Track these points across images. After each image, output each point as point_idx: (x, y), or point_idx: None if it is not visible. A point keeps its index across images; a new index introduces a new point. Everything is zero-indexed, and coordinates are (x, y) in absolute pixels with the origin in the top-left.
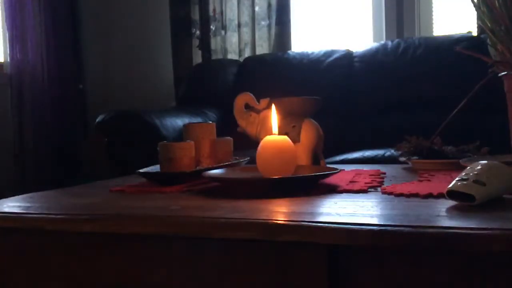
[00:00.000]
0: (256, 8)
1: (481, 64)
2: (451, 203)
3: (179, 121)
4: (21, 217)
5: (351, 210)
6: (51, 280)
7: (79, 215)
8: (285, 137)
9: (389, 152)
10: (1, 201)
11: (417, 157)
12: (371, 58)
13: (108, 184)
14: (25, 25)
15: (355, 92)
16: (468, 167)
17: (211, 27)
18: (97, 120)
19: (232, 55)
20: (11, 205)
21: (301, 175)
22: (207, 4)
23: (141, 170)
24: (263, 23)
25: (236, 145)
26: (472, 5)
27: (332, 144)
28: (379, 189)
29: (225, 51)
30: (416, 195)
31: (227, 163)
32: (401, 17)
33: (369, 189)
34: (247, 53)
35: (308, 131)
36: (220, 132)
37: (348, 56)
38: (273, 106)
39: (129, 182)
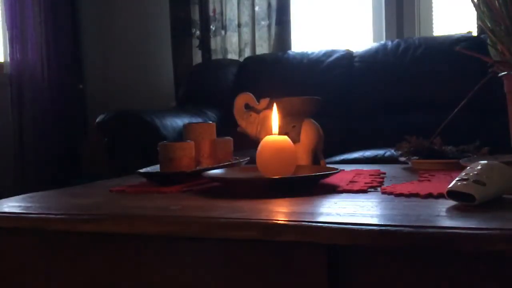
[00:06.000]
0: (256, 8)
1: (481, 64)
2: (451, 203)
3: (179, 121)
4: (21, 217)
5: (351, 210)
6: (51, 280)
7: (79, 215)
8: (285, 137)
9: (389, 152)
10: (1, 201)
11: (417, 157)
12: (371, 58)
13: (108, 184)
14: (25, 25)
15: (355, 92)
16: (468, 167)
17: (211, 27)
18: (97, 120)
19: (232, 55)
20: (11, 205)
21: (301, 175)
22: (207, 4)
23: (141, 170)
24: (263, 23)
25: (236, 145)
26: (472, 5)
27: (332, 144)
28: (379, 189)
29: (225, 51)
30: (416, 195)
31: (227, 163)
32: (401, 17)
33: (369, 189)
34: (247, 53)
35: (308, 131)
36: (220, 132)
37: (348, 56)
38: (274, 106)
39: (129, 182)
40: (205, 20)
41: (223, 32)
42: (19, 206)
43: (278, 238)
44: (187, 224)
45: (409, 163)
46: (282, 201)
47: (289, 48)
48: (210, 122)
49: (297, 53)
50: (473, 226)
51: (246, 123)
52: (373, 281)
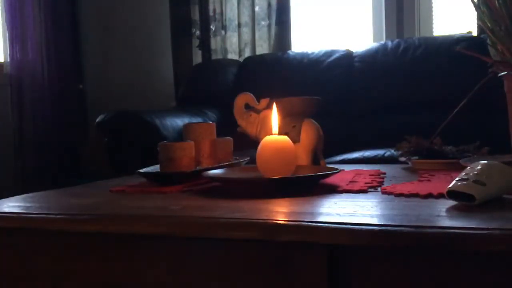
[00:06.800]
0: (256, 8)
1: (481, 64)
2: (451, 203)
3: (179, 121)
4: (21, 217)
5: (351, 210)
6: (51, 280)
7: (79, 215)
8: (285, 137)
9: (389, 152)
10: (1, 201)
11: (417, 157)
12: (371, 58)
13: (108, 184)
14: (25, 25)
15: (355, 92)
16: (468, 167)
17: (211, 27)
18: (97, 120)
19: (232, 55)
20: (11, 205)
21: (301, 175)
22: (207, 4)
23: (141, 170)
24: (263, 23)
25: (236, 145)
26: (472, 5)
27: (332, 144)
28: (379, 189)
29: (225, 51)
30: (416, 195)
31: (227, 163)
32: (401, 17)
33: (369, 189)
34: (247, 53)
35: (308, 131)
36: (220, 132)
37: (348, 56)
38: (274, 106)
39: (129, 182)
40: (205, 20)
41: (223, 32)
42: (19, 206)
43: (278, 238)
44: (187, 224)
45: (409, 163)
46: (282, 201)
47: (289, 48)
48: (210, 122)
49: (297, 53)
50: (473, 226)
51: (246, 123)
52: (373, 281)
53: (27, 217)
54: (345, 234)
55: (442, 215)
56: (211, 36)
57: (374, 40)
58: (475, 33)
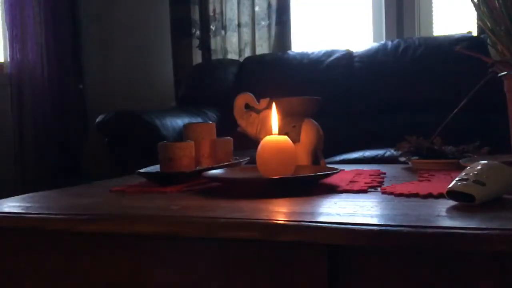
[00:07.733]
0: (256, 8)
1: (481, 64)
2: (451, 203)
3: (179, 121)
4: (21, 217)
5: (351, 210)
6: (51, 280)
7: (79, 215)
8: (285, 137)
9: (389, 152)
10: (1, 201)
11: (417, 157)
12: (371, 58)
13: (108, 184)
14: (25, 25)
15: (355, 92)
16: (468, 167)
17: (211, 27)
18: (97, 120)
19: (232, 55)
20: (11, 205)
21: (301, 175)
22: (207, 4)
23: (141, 170)
24: (263, 23)
25: (236, 145)
26: (472, 5)
27: (332, 144)
28: (379, 189)
29: (225, 51)
30: (416, 195)
31: (227, 163)
32: (401, 17)
33: (369, 189)
34: (247, 53)
35: (308, 131)
36: (220, 132)
37: (348, 56)
38: (274, 106)
39: (129, 182)
40: (205, 20)
41: (223, 32)
42: (19, 206)
43: (278, 238)
44: (187, 224)
45: (409, 163)
46: (282, 201)
47: (289, 48)
48: (210, 122)
49: (297, 53)
50: (473, 226)
51: (246, 123)
52: (373, 281)
53: (27, 217)
54: (345, 234)
55: (442, 215)
56: (211, 36)
57: (374, 40)
58: (475, 33)
